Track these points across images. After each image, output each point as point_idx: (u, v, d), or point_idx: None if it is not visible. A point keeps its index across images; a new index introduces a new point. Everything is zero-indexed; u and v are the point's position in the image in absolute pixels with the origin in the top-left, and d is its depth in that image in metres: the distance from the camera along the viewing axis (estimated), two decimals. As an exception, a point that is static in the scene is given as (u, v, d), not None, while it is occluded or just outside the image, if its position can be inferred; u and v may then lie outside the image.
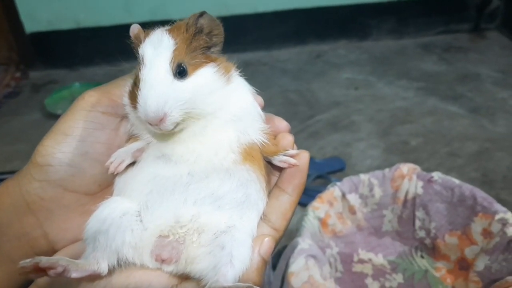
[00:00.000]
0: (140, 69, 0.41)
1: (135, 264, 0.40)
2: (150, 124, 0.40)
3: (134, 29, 0.45)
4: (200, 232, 0.40)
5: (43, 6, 2.16)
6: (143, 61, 0.41)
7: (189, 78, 0.41)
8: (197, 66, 0.42)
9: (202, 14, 0.43)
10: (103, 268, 0.38)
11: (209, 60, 0.43)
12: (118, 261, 0.39)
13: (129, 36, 0.46)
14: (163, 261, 0.40)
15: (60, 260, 0.36)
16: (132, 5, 2.19)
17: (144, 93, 0.39)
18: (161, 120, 0.39)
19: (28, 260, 0.35)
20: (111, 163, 0.42)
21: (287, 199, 0.44)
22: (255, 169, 0.43)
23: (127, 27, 0.46)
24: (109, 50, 2.31)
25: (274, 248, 0.42)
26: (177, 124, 0.41)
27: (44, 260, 0.35)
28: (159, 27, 0.45)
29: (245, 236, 0.40)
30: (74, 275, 0.36)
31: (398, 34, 2.46)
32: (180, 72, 0.41)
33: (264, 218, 0.43)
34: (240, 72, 0.48)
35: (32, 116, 1.95)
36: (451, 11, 2.45)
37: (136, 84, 0.42)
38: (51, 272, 0.35)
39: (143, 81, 0.40)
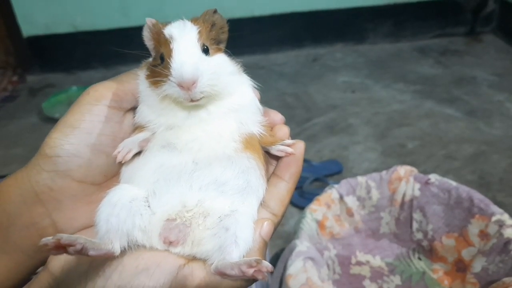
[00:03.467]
0: (166, 47, 0.44)
1: (144, 246, 0.42)
2: (182, 88, 0.42)
3: (151, 20, 0.47)
4: (206, 216, 0.42)
5: (41, 10, 2.17)
6: (171, 37, 0.44)
7: (213, 56, 0.45)
8: (216, 51, 0.46)
9: (215, 11, 0.47)
10: (116, 248, 0.40)
11: (221, 50, 0.48)
12: (128, 243, 0.41)
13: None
14: (170, 243, 0.42)
15: (79, 238, 0.37)
16: (129, 9, 2.19)
17: (180, 58, 0.42)
18: (193, 84, 0.42)
19: (50, 237, 0.36)
20: (119, 152, 0.45)
21: (284, 186, 0.46)
22: (255, 157, 0.46)
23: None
24: (106, 54, 2.32)
25: (273, 231, 0.44)
26: (203, 97, 0.43)
27: (65, 237, 0.36)
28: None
29: (247, 219, 0.43)
30: (91, 252, 0.38)
31: (395, 37, 2.47)
32: (205, 51, 0.45)
33: (263, 204, 0.46)
34: None
35: (29, 120, 1.95)
36: (447, 14, 2.47)
37: (156, 66, 0.44)
38: (70, 249, 0.37)
39: (177, 50, 0.43)
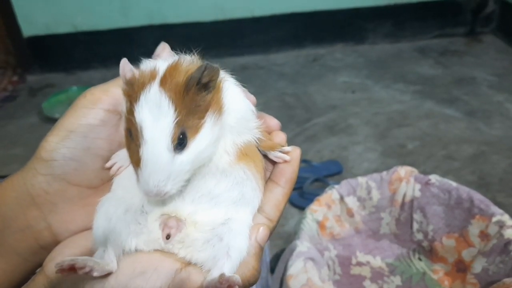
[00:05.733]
0: (136, 131, 0.39)
1: (142, 251, 0.42)
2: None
3: (127, 72, 0.42)
4: (198, 225, 0.43)
5: (41, 10, 2.17)
6: (141, 133, 0.39)
7: (189, 147, 0.40)
8: (196, 129, 0.40)
9: (204, 69, 0.40)
10: (114, 265, 0.41)
11: (204, 110, 0.41)
12: (123, 250, 0.42)
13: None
14: (169, 231, 0.42)
15: (89, 261, 0.38)
16: (129, 9, 2.19)
17: (146, 176, 0.39)
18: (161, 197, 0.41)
19: (66, 259, 0.38)
20: (111, 166, 0.45)
21: (280, 191, 0.46)
22: (250, 167, 0.45)
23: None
24: (106, 54, 2.32)
25: (269, 236, 0.44)
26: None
27: (80, 261, 0.38)
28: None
29: (241, 226, 0.42)
30: (95, 274, 0.39)
31: (395, 37, 2.47)
32: (180, 142, 0.40)
33: (259, 209, 0.45)
34: (236, 76, 0.47)
35: (29, 120, 1.95)
36: (447, 15, 2.47)
37: (131, 136, 0.40)
38: (80, 271, 0.38)
39: (144, 160, 0.39)
